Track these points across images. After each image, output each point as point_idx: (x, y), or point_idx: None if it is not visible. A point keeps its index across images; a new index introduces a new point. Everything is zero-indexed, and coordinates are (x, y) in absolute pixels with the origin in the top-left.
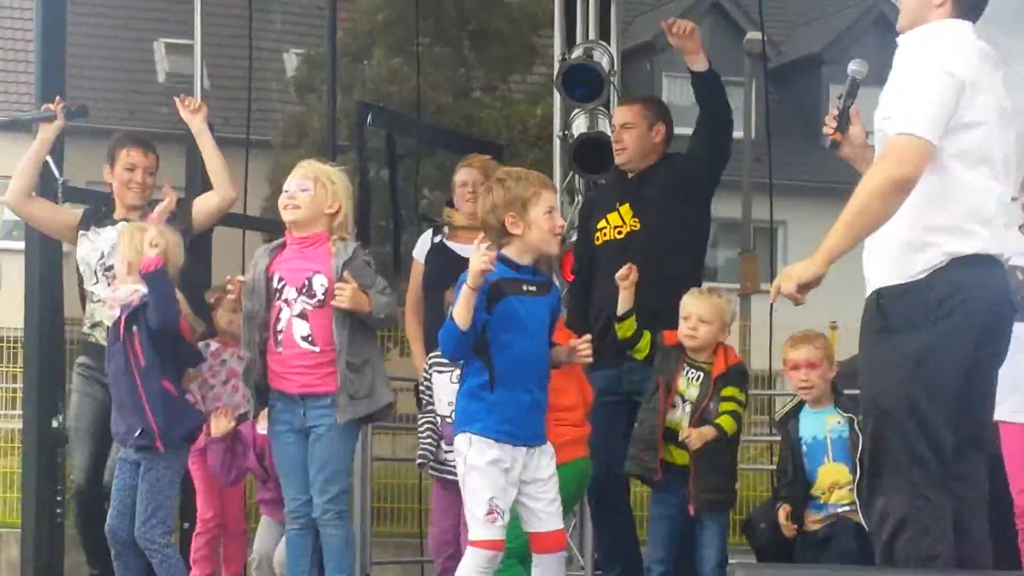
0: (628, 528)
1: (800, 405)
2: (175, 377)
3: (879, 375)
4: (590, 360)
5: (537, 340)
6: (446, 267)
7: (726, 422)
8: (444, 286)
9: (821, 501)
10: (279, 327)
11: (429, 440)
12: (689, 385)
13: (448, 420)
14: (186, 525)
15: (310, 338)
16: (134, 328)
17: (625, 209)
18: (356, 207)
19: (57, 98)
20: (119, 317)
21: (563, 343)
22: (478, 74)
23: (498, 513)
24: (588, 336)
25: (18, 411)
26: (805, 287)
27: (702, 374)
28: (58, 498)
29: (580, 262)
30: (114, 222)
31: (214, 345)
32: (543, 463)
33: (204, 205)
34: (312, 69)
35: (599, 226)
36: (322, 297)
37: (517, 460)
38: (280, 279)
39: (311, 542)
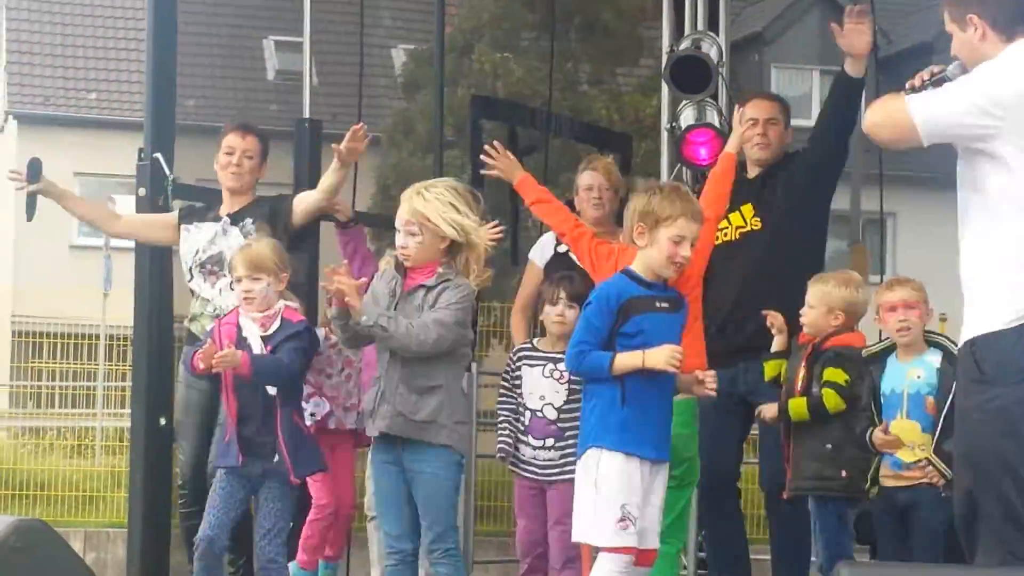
0: (739, 531)
1: (888, 351)
2: (300, 410)
3: (973, 429)
4: (714, 395)
5: None
6: None
7: (798, 405)
8: None
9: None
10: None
11: (507, 431)
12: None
13: (539, 414)
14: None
15: None
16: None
17: (747, 209)
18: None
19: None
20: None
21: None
22: (585, 67)
23: (630, 520)
24: (713, 372)
25: (126, 410)
26: None
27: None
28: (165, 498)
29: None
30: (216, 218)
31: (330, 336)
32: (657, 482)
33: (304, 201)
34: (419, 66)
35: (720, 226)
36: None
37: (644, 473)
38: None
39: None
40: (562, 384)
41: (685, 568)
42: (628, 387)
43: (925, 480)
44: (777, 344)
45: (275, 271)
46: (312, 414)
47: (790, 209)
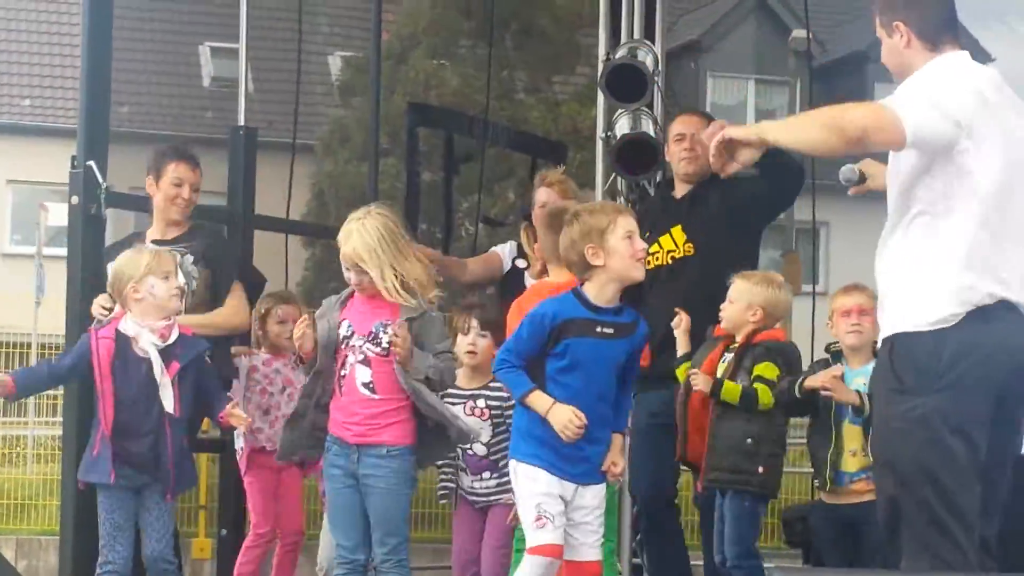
0: (680, 551)
1: (837, 357)
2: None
3: (894, 438)
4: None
5: (598, 383)
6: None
7: (732, 390)
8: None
9: (842, 467)
10: (343, 372)
11: (449, 471)
12: (721, 368)
13: (469, 451)
14: (223, 532)
15: (371, 385)
16: (175, 378)
17: (677, 232)
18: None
19: None
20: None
21: None
22: (521, 75)
23: (547, 518)
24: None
25: (58, 418)
26: (728, 143)
27: (731, 355)
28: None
29: None
30: (143, 240)
31: (265, 355)
32: (587, 499)
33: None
34: (355, 73)
35: (651, 250)
36: (386, 345)
37: (565, 493)
38: (349, 326)
39: None
40: (485, 421)
41: (620, 573)
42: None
43: (869, 496)
44: (681, 345)
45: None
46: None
47: (718, 234)
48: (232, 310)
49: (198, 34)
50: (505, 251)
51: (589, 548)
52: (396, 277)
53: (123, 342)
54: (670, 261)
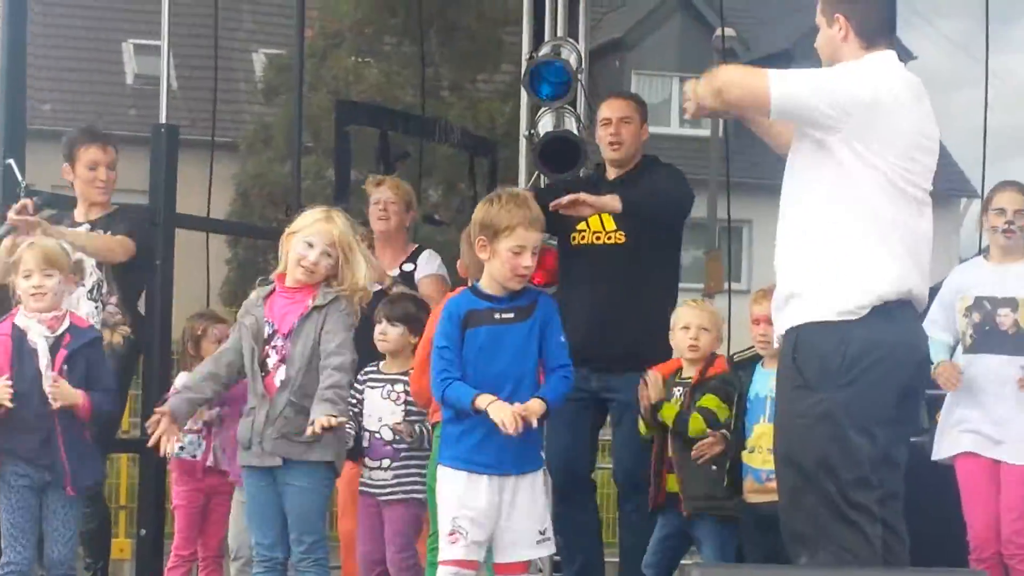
0: (591, 527)
1: (758, 358)
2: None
3: (796, 433)
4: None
5: (511, 367)
6: None
7: (669, 413)
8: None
9: (752, 464)
10: (263, 372)
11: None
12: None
13: (376, 436)
14: (143, 532)
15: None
16: (65, 367)
17: (606, 215)
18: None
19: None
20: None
21: None
22: (445, 72)
23: (460, 534)
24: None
25: None
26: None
27: (683, 388)
28: None
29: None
30: (73, 224)
31: None
32: (520, 496)
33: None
34: (278, 71)
35: (578, 227)
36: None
37: (488, 488)
38: (272, 325)
39: None
40: (399, 405)
41: (540, 571)
42: None
43: None
44: (659, 392)
45: (67, 270)
46: (182, 447)
47: (651, 223)
48: (119, 243)
49: (121, 31)
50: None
51: (518, 547)
52: (351, 278)
53: (19, 335)
54: (595, 242)
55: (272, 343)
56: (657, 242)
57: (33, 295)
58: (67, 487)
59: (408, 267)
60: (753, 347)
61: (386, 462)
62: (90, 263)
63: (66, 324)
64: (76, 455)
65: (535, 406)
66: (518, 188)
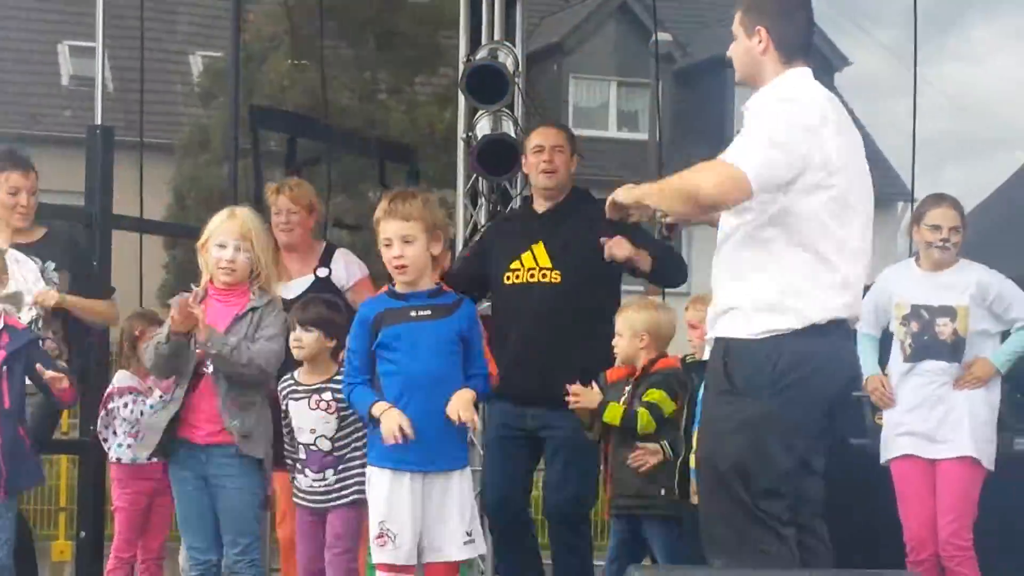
0: (533, 564)
1: (703, 363)
2: (24, 421)
3: (718, 437)
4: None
5: (427, 363)
6: None
7: (613, 412)
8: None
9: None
10: (199, 373)
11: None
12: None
13: (312, 447)
14: (83, 534)
15: None
16: (3, 368)
17: (539, 250)
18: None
19: None
20: None
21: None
22: (384, 76)
23: (388, 537)
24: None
25: None
26: (616, 204)
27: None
28: None
29: (463, 282)
30: None
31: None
32: (450, 495)
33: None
34: (215, 74)
35: (512, 266)
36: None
37: (415, 487)
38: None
39: None
40: (331, 414)
41: (483, 573)
42: (387, 399)
43: None
44: (593, 401)
45: (1, 271)
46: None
47: (588, 256)
48: (111, 306)
49: (57, 32)
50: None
51: (450, 546)
52: (266, 266)
53: None
54: (529, 280)
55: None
56: (595, 280)
57: None
58: (1, 491)
59: (323, 272)
60: (689, 355)
61: (329, 472)
62: (29, 297)
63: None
64: (11, 455)
65: (467, 395)
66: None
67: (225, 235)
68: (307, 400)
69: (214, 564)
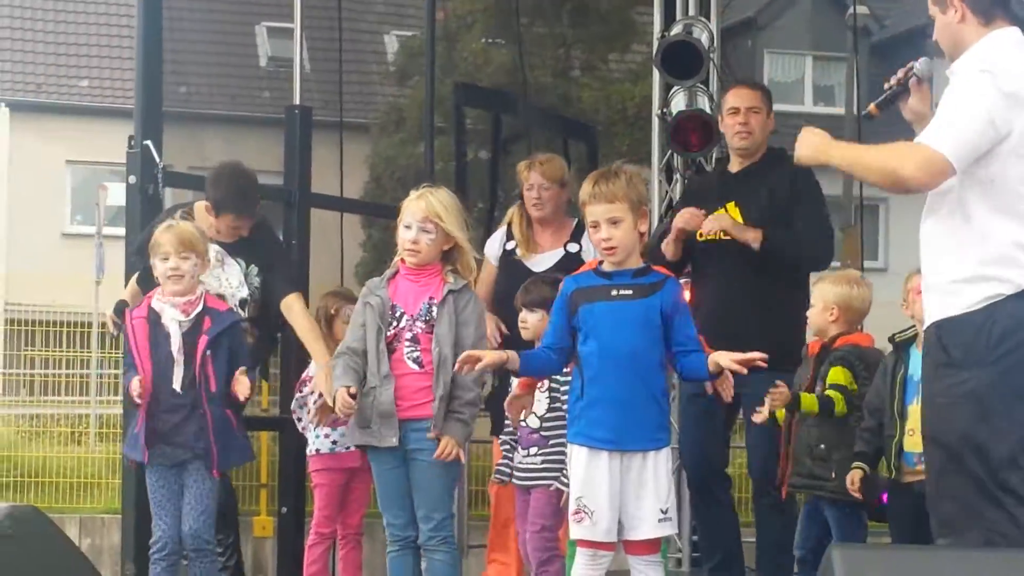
0: (731, 522)
1: (914, 338)
2: (232, 403)
3: (942, 411)
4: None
5: (627, 342)
6: (517, 280)
7: (810, 401)
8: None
9: (905, 448)
10: (391, 350)
11: (505, 452)
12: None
13: (523, 424)
14: (283, 510)
15: (419, 359)
16: (208, 352)
17: (732, 208)
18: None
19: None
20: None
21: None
22: (577, 53)
23: (585, 513)
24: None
25: (120, 397)
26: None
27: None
28: None
29: (658, 250)
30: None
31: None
32: (647, 473)
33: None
34: (410, 54)
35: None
36: (435, 321)
37: (611, 464)
38: (398, 308)
39: (413, 563)
40: (542, 392)
41: (680, 551)
42: (586, 377)
43: None
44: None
45: (203, 252)
46: (335, 442)
47: (775, 213)
48: (312, 327)
49: (255, 14)
50: (495, 244)
51: (646, 524)
52: (461, 239)
53: (154, 318)
54: (723, 237)
55: (399, 324)
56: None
57: (170, 277)
58: (214, 468)
59: (573, 247)
60: (912, 326)
61: (534, 449)
62: (232, 300)
63: (200, 307)
64: (221, 436)
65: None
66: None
67: (410, 216)
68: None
69: (412, 540)
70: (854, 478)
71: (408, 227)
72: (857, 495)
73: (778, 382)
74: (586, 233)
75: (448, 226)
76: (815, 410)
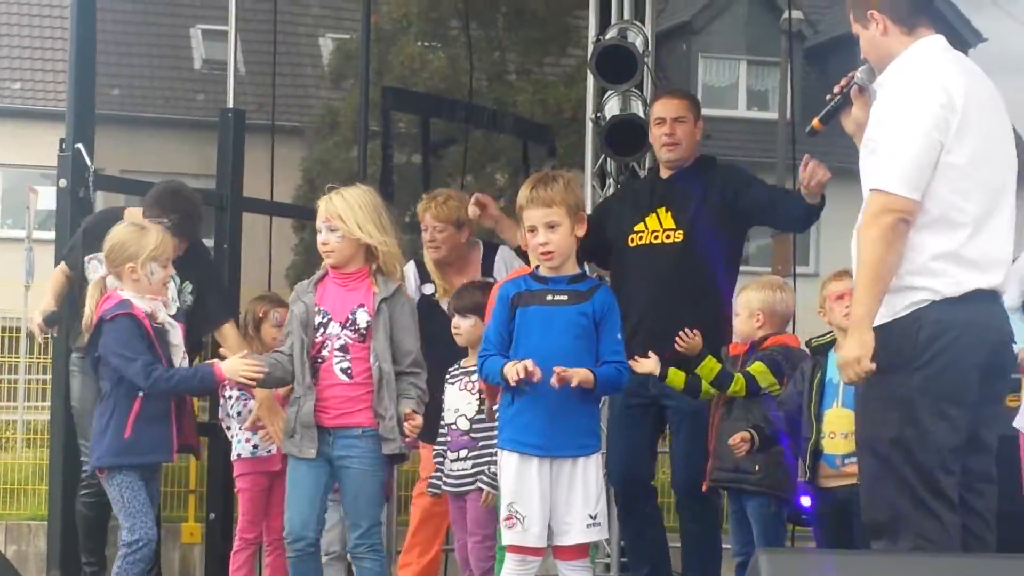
0: (658, 534)
1: (832, 343)
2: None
3: (873, 417)
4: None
5: (558, 345)
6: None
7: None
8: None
9: (826, 451)
10: (319, 358)
11: (438, 464)
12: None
13: (453, 427)
14: (212, 516)
15: (349, 371)
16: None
17: (663, 213)
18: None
19: None
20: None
21: None
22: (513, 56)
23: (517, 519)
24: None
25: (47, 403)
26: (863, 361)
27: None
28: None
29: (595, 254)
30: None
31: None
32: (577, 479)
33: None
34: (345, 57)
35: (636, 228)
36: (364, 330)
37: (542, 471)
38: (325, 313)
39: (313, 567)
40: (474, 395)
41: (609, 556)
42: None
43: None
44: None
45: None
46: (256, 446)
47: (707, 218)
48: (239, 341)
49: (190, 17)
50: (410, 278)
51: (575, 531)
52: (371, 237)
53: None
54: (653, 241)
55: (326, 331)
56: (719, 241)
57: (165, 283)
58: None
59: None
60: (830, 331)
61: (463, 452)
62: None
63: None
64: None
65: (583, 373)
66: (553, 170)
67: (319, 218)
68: (460, 382)
69: (311, 543)
70: (744, 437)
71: (319, 229)
72: (741, 453)
73: (694, 331)
74: (496, 263)
75: (350, 226)
76: (707, 378)
